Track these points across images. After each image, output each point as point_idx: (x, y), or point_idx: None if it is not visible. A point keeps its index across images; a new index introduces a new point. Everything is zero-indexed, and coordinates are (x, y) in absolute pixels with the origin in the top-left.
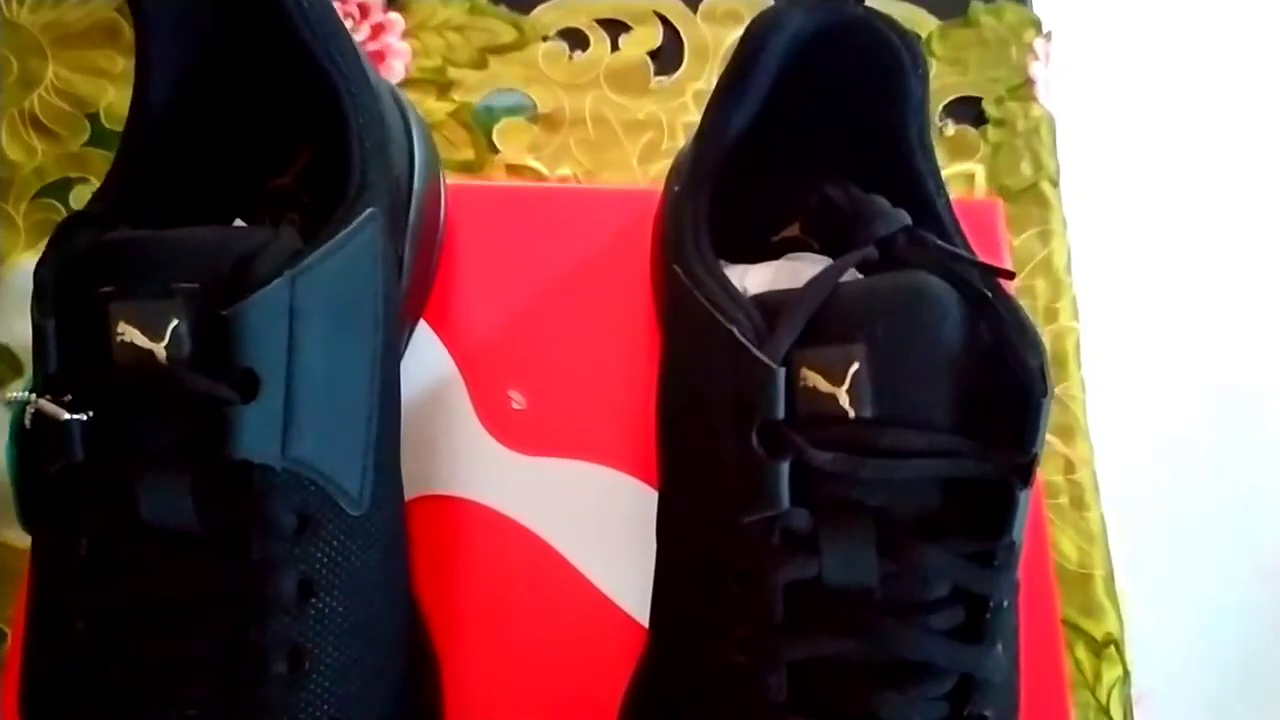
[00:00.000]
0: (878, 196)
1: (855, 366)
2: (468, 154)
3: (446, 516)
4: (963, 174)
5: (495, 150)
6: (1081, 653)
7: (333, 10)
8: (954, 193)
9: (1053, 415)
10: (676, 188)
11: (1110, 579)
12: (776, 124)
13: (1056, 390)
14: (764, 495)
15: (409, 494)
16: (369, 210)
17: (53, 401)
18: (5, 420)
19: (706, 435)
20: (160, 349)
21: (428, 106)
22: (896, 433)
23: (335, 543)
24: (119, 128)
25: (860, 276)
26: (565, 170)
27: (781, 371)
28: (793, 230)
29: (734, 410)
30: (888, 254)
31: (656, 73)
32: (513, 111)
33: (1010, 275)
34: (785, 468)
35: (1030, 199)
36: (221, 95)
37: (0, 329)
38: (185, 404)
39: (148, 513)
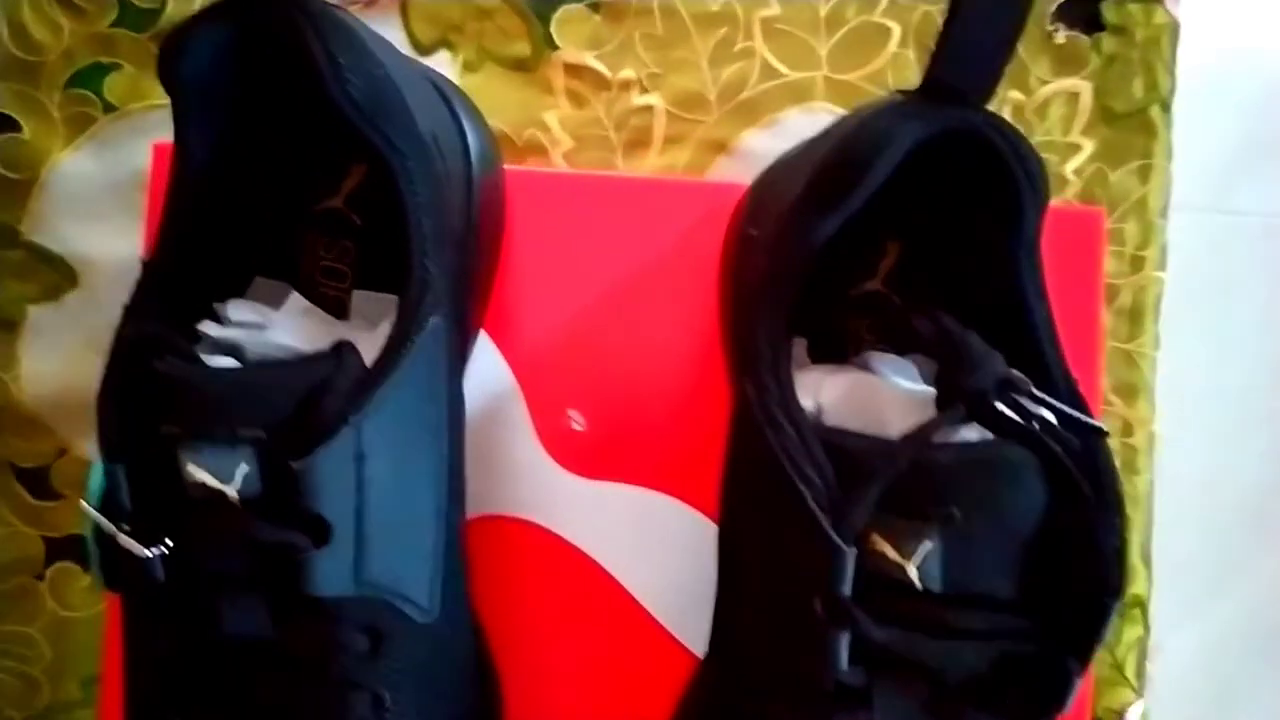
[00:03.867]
0: (971, 336)
1: (928, 545)
2: (523, 48)
3: (504, 536)
4: (1066, 91)
5: (554, 45)
6: None
7: (384, 80)
8: (1057, 109)
9: (1117, 372)
10: (753, 232)
11: (1148, 543)
12: (869, 222)
13: (1127, 346)
14: (822, 657)
15: (467, 513)
16: (431, 321)
17: (131, 534)
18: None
19: (768, 571)
20: (232, 490)
21: None
22: (962, 613)
23: (406, 655)
24: (149, 4)
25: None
26: (629, 72)
27: (852, 553)
28: (874, 283)
29: (798, 567)
30: (977, 409)
31: None
32: None
33: (1104, 434)
34: (846, 637)
35: (1135, 126)
36: (264, 141)
37: (48, 235)
38: (259, 544)
39: (229, 626)
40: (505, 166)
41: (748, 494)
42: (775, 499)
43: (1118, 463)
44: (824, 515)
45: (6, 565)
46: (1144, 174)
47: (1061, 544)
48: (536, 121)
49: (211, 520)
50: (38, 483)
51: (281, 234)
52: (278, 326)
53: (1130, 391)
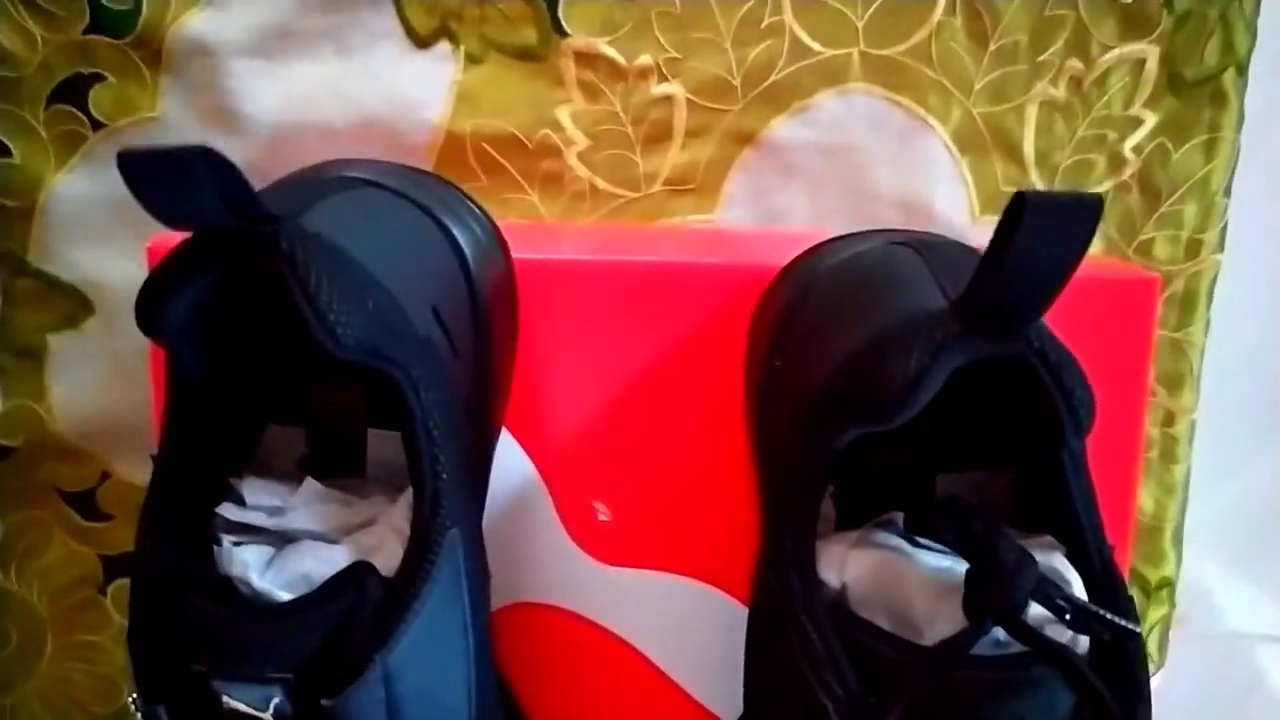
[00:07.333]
0: (1003, 542)
1: None
2: (529, 36)
3: (535, 622)
4: (1131, 58)
5: (563, 32)
6: (1134, 593)
7: (376, 310)
8: (1119, 79)
9: (1163, 362)
10: (779, 363)
11: (1180, 528)
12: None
13: (1175, 335)
14: None
15: (498, 603)
16: (449, 535)
17: None
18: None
19: None
20: (268, 716)
21: None
22: None
23: None
24: (121, 5)
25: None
26: (645, 58)
27: None
28: None
29: None
30: (1008, 623)
31: None
32: None
33: (1137, 635)
34: None
35: (1204, 96)
36: (262, 327)
37: (55, 262)
38: None
39: None
40: (517, 256)
41: (770, 685)
42: (798, 702)
43: (1155, 454)
44: None
45: (68, 583)
46: (1210, 149)
47: None
48: (549, 120)
49: None
50: (86, 505)
51: (290, 382)
52: (295, 512)
53: (1175, 381)
